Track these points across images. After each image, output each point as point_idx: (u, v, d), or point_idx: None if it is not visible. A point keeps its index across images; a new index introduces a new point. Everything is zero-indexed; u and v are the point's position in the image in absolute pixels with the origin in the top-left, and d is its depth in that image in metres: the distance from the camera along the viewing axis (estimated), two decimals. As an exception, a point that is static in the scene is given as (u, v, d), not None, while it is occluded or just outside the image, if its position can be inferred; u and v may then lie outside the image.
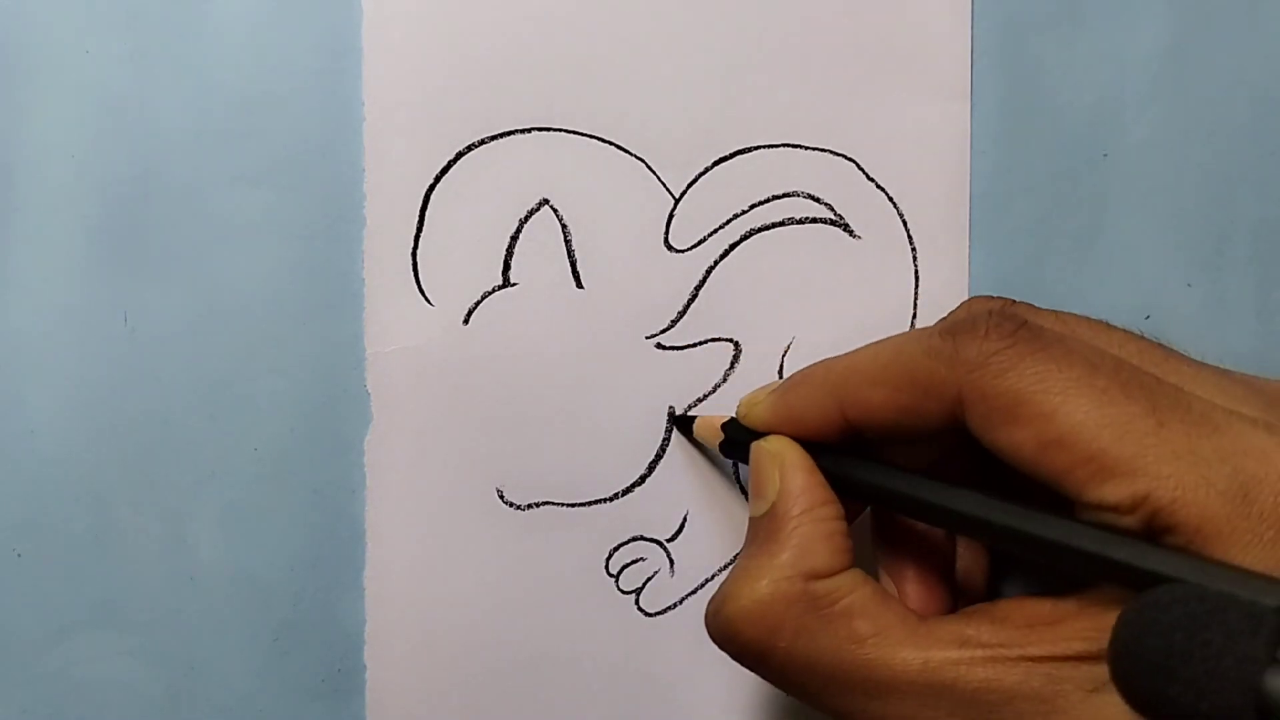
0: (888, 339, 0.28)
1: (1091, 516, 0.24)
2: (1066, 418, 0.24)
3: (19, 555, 0.32)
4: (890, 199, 0.34)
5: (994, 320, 0.26)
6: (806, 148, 0.34)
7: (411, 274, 0.32)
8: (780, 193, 0.34)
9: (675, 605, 0.34)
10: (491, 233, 0.33)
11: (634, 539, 0.33)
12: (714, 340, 0.34)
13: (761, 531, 0.28)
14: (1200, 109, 0.35)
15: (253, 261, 0.32)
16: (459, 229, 0.32)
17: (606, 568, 0.33)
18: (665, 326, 0.33)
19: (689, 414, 0.33)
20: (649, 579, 0.34)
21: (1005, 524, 0.25)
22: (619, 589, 0.34)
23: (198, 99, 0.32)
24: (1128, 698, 0.21)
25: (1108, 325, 0.28)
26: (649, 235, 0.33)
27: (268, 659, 0.33)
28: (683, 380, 0.33)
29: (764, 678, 0.27)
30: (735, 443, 0.31)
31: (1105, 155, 0.35)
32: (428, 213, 0.32)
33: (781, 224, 0.34)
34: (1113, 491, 0.24)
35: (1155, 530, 0.23)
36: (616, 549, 0.33)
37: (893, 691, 0.25)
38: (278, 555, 0.32)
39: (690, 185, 0.33)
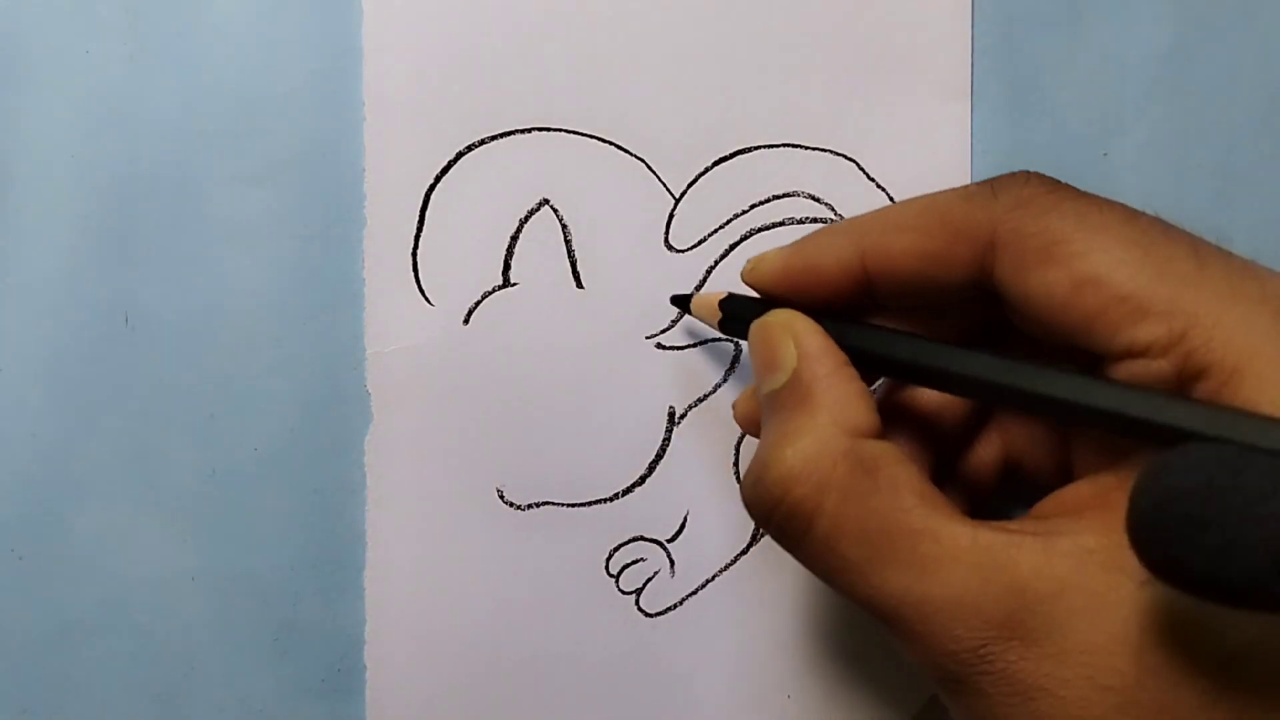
0: (917, 197, 0.27)
1: (1121, 369, 0.23)
2: (1104, 254, 0.23)
3: (19, 556, 0.32)
4: (890, 198, 0.34)
5: (1037, 175, 0.25)
6: (806, 148, 0.34)
7: (412, 274, 0.32)
8: (780, 193, 0.34)
9: (675, 605, 0.34)
10: (492, 233, 0.33)
11: (634, 539, 0.33)
12: (714, 340, 0.34)
13: (787, 398, 0.26)
14: (1200, 109, 0.35)
15: (253, 261, 0.32)
16: (459, 229, 0.32)
17: (606, 568, 0.33)
18: (665, 326, 0.33)
19: (685, 294, 0.32)
20: (649, 579, 0.34)
21: (1030, 387, 0.24)
22: (619, 589, 0.34)
23: (198, 99, 0.32)
24: (1150, 567, 0.20)
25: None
26: (649, 235, 0.33)
27: (268, 659, 0.33)
28: (683, 380, 0.33)
29: (805, 555, 0.25)
30: (736, 319, 0.29)
31: (1105, 155, 0.35)
32: (428, 213, 0.32)
33: (782, 224, 0.34)
34: (1148, 330, 0.23)
35: (1189, 374, 0.22)
36: (616, 549, 0.33)
37: (940, 569, 0.23)
38: (278, 555, 0.32)
39: (690, 185, 0.33)
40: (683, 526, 0.34)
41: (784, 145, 0.34)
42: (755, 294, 0.29)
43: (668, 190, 0.33)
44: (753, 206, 0.33)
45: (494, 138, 0.32)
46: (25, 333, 0.31)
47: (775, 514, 0.25)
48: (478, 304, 0.33)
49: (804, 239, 0.28)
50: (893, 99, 0.34)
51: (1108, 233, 0.23)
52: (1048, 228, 0.24)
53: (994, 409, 0.30)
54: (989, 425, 0.30)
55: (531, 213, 0.33)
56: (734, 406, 0.30)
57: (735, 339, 0.32)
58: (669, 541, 0.34)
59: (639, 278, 0.33)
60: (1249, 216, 0.36)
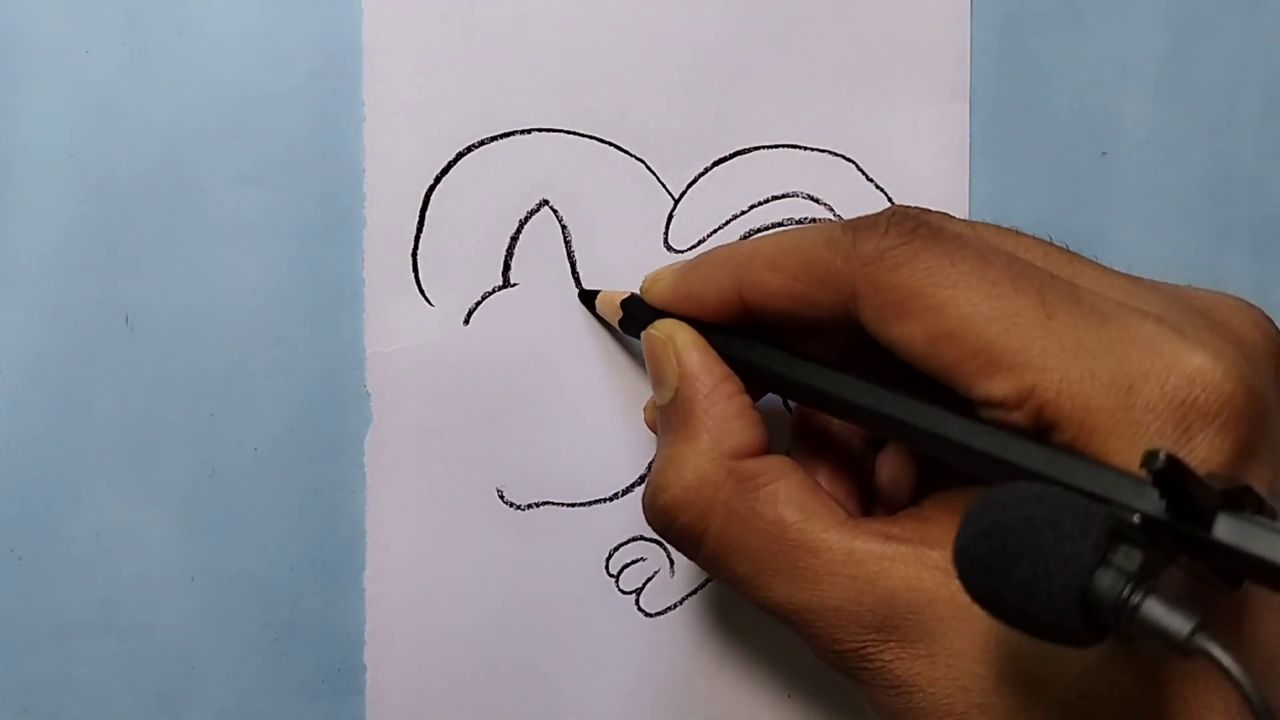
0: (794, 228, 0.28)
1: (986, 414, 0.24)
2: (955, 310, 0.24)
3: (19, 556, 0.32)
4: (890, 199, 0.34)
5: (895, 219, 0.26)
6: (806, 148, 0.34)
7: (412, 274, 0.32)
8: (780, 193, 0.34)
9: (675, 605, 0.34)
10: (492, 233, 0.33)
11: (634, 539, 0.34)
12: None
13: (674, 418, 0.28)
14: (1200, 109, 0.36)
15: (253, 261, 0.32)
16: (459, 229, 0.32)
17: (606, 568, 0.33)
18: (665, 326, 0.33)
19: (592, 289, 0.33)
20: (649, 579, 0.34)
21: (893, 414, 0.25)
22: (619, 589, 0.34)
23: (197, 99, 0.32)
24: (971, 594, 0.21)
25: (1017, 231, 0.27)
26: (649, 235, 0.33)
27: (268, 659, 0.33)
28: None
29: (703, 567, 0.28)
30: (635, 320, 0.31)
31: (1105, 155, 0.35)
32: (428, 213, 0.32)
33: (781, 224, 0.34)
34: (999, 386, 0.23)
35: (1043, 425, 0.23)
36: (616, 549, 0.33)
37: (819, 579, 0.25)
38: (278, 555, 0.32)
39: (690, 185, 0.33)
40: (682, 526, 0.34)
41: (783, 146, 0.34)
42: None
43: (667, 191, 0.33)
44: (752, 207, 0.34)
45: (494, 138, 0.32)
46: (25, 333, 0.31)
47: (667, 534, 0.28)
48: (478, 304, 0.33)
49: (691, 264, 0.29)
50: (893, 99, 0.34)
51: (958, 287, 0.24)
52: (902, 283, 0.25)
53: None
54: None
55: (531, 213, 0.33)
56: (644, 410, 0.32)
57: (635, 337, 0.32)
58: (669, 541, 0.34)
59: (639, 278, 0.33)
60: (1249, 216, 0.36)
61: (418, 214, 0.32)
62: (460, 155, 0.32)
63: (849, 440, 0.30)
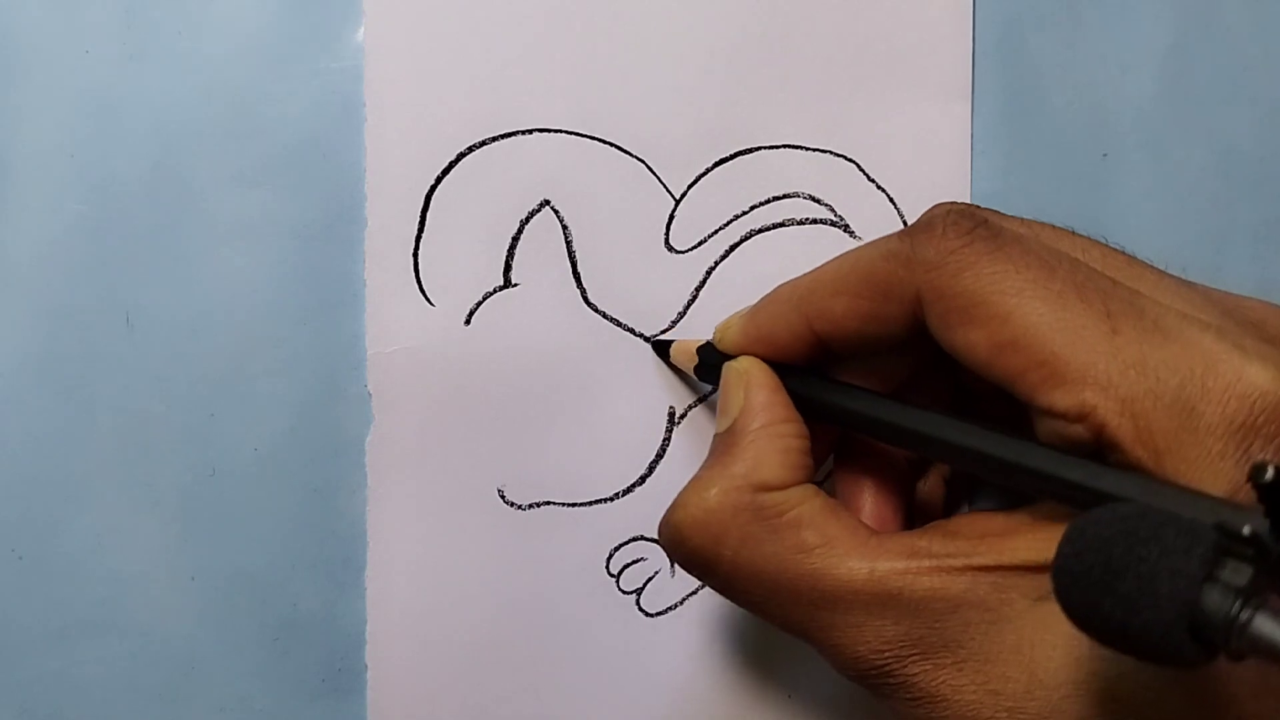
0: (851, 250, 0.28)
1: (1044, 426, 0.24)
2: (1021, 320, 0.24)
3: (19, 555, 0.32)
4: (890, 199, 0.34)
5: (951, 219, 0.25)
6: (806, 148, 0.34)
7: (413, 274, 0.32)
8: (780, 193, 0.34)
9: (675, 605, 0.34)
10: (492, 233, 0.33)
11: (634, 539, 0.34)
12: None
13: (719, 445, 0.28)
14: (1200, 109, 0.36)
15: (253, 261, 0.32)
16: (460, 229, 0.32)
17: (607, 568, 0.33)
18: (665, 326, 0.33)
19: (665, 340, 0.33)
20: (649, 579, 0.34)
21: (960, 442, 0.26)
22: (619, 589, 0.34)
23: (198, 99, 0.32)
24: (1067, 612, 0.21)
25: (1071, 232, 0.27)
26: (649, 236, 0.33)
27: (268, 659, 0.33)
28: (683, 380, 0.33)
29: (713, 587, 0.28)
30: (709, 366, 0.31)
31: (1105, 155, 0.35)
32: (429, 213, 0.32)
33: (782, 225, 0.34)
34: (1062, 399, 0.23)
35: (1104, 442, 0.23)
36: (617, 549, 0.33)
37: (839, 601, 0.25)
38: (278, 555, 0.32)
39: (690, 186, 0.33)
40: (683, 527, 0.34)
41: (784, 146, 0.34)
42: None
43: (668, 191, 0.33)
44: (753, 207, 0.34)
45: (495, 138, 0.32)
46: (25, 333, 0.31)
47: (678, 556, 0.28)
48: (479, 304, 0.33)
49: (757, 306, 0.30)
50: (893, 99, 0.34)
51: (1023, 295, 0.24)
52: (965, 289, 0.25)
53: None
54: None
55: (532, 213, 0.33)
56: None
57: (711, 383, 0.32)
58: (669, 542, 0.34)
59: (639, 278, 0.33)
60: (1249, 217, 0.36)
61: (419, 214, 0.32)
62: (461, 155, 0.32)
63: (890, 457, 0.30)
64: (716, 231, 0.33)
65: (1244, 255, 0.36)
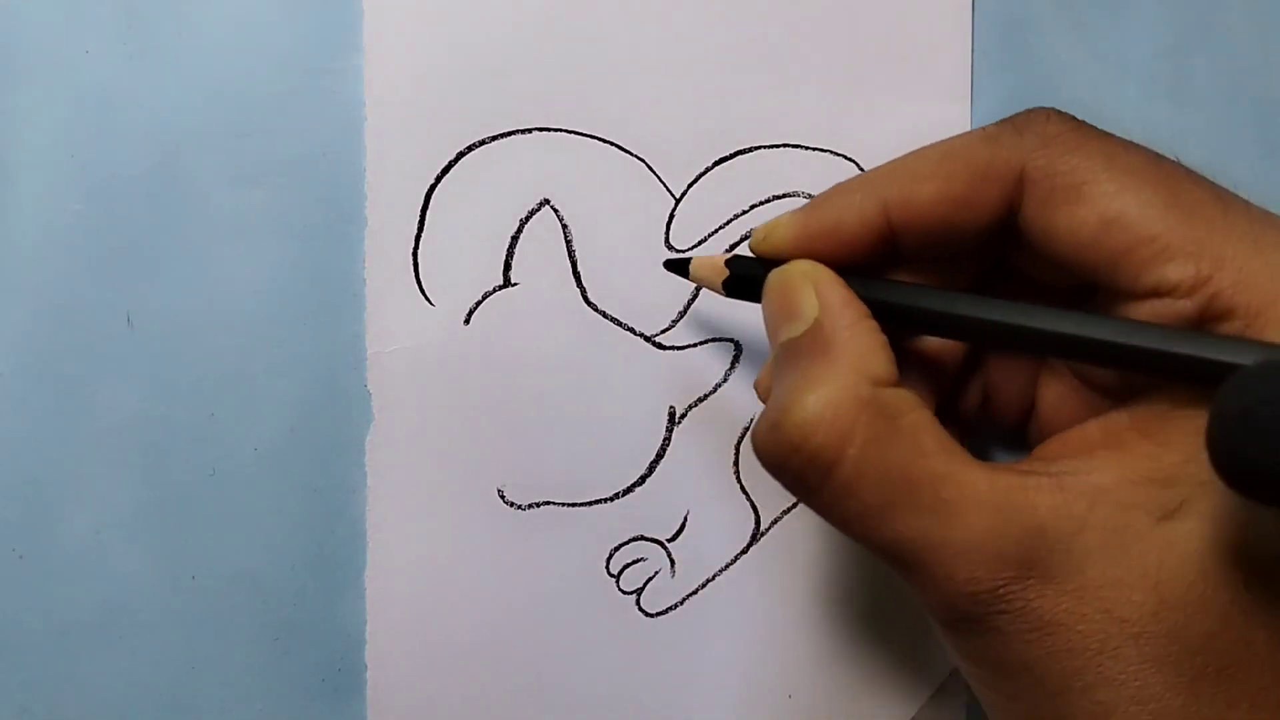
0: (931, 144, 0.27)
1: (1144, 308, 0.24)
2: (1132, 194, 0.24)
3: (19, 555, 0.32)
4: (890, 199, 0.34)
5: (1053, 112, 0.25)
6: (806, 148, 0.34)
7: (412, 274, 0.32)
8: (780, 193, 0.34)
9: (675, 605, 0.34)
10: (492, 233, 0.33)
11: (634, 539, 0.33)
12: (714, 340, 0.34)
13: (808, 347, 0.26)
14: (1200, 109, 0.35)
15: (253, 261, 0.32)
16: (460, 229, 0.32)
17: (607, 568, 0.33)
18: (665, 326, 0.33)
19: (683, 256, 0.31)
20: (649, 579, 0.34)
21: (1059, 330, 0.24)
22: (619, 589, 0.34)
23: (198, 99, 0.32)
24: (1228, 476, 0.20)
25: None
26: (650, 235, 0.33)
27: (268, 659, 0.33)
28: (683, 380, 0.33)
29: (819, 503, 0.25)
30: (745, 279, 0.29)
31: (1105, 155, 0.35)
32: (428, 213, 0.32)
33: (782, 224, 0.34)
34: (1175, 271, 0.23)
35: (1212, 315, 0.23)
36: (617, 549, 0.33)
37: (961, 512, 0.24)
38: (278, 555, 0.32)
39: (690, 185, 0.33)
40: (683, 526, 0.34)
41: (784, 145, 0.34)
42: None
43: (668, 190, 0.33)
44: (753, 207, 0.34)
45: (494, 138, 0.32)
46: (25, 332, 0.31)
47: (792, 460, 0.25)
48: (478, 304, 0.33)
49: (818, 200, 0.28)
50: (893, 99, 0.34)
51: (1135, 174, 0.24)
52: (1076, 166, 0.24)
53: (983, 354, 0.30)
54: (975, 370, 0.31)
55: (532, 213, 0.33)
56: (757, 382, 0.30)
57: (741, 299, 0.30)
58: (669, 541, 0.34)
59: (639, 278, 0.33)
60: (1249, 217, 0.36)
61: (418, 214, 0.32)
62: (461, 155, 0.32)
63: (939, 378, 0.29)
64: (716, 231, 0.33)
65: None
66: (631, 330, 0.33)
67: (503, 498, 0.33)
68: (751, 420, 0.34)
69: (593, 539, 0.33)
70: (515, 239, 0.33)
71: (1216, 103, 0.36)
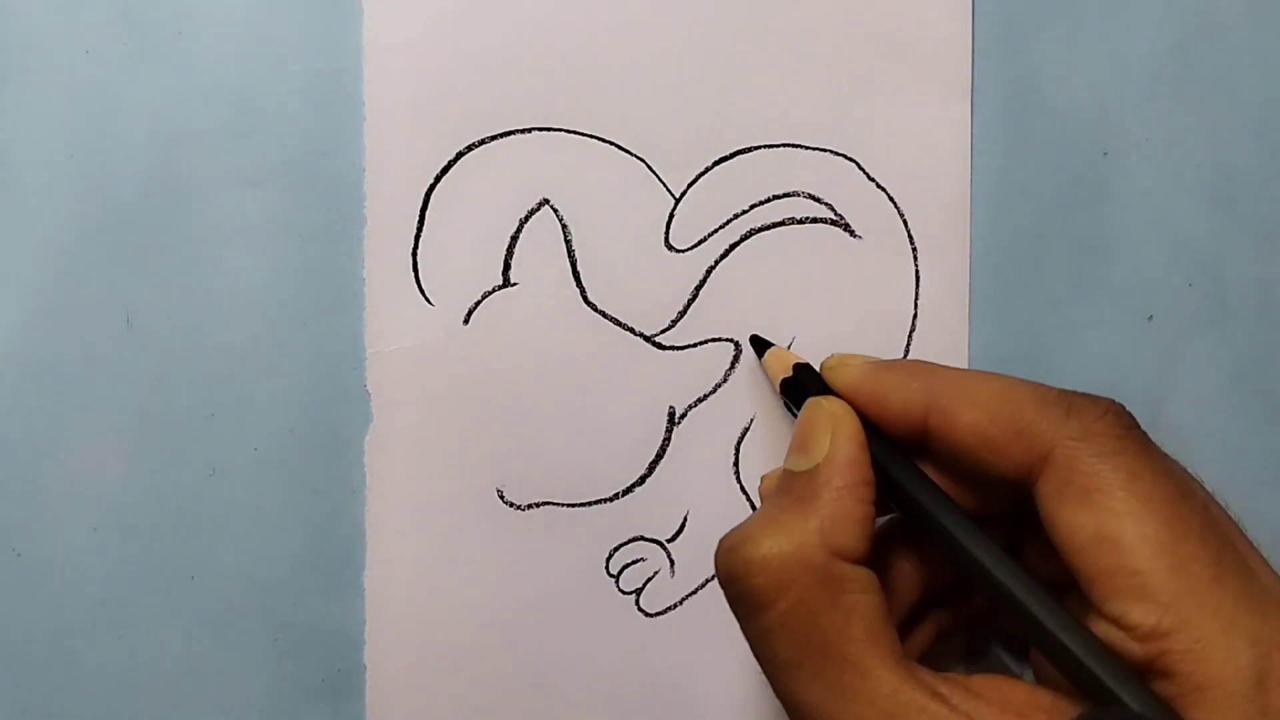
0: (999, 374, 0.28)
1: (1101, 626, 0.24)
2: (1136, 525, 0.24)
3: (19, 555, 0.32)
4: (890, 199, 0.34)
5: (1114, 411, 0.26)
6: (806, 148, 0.34)
7: (412, 274, 0.32)
8: (780, 193, 0.34)
9: (675, 605, 0.34)
10: (492, 233, 0.33)
11: (634, 539, 0.33)
12: (714, 340, 0.34)
13: (796, 488, 0.27)
14: (1200, 109, 0.35)
15: (253, 261, 0.32)
16: (459, 229, 0.32)
17: (606, 568, 0.33)
18: (665, 326, 0.33)
19: (766, 338, 0.33)
20: (649, 579, 0.34)
21: (1025, 600, 0.25)
22: (619, 589, 0.34)
23: (198, 99, 0.32)
24: None
25: (1201, 483, 0.27)
26: (649, 235, 0.33)
27: (268, 659, 0.33)
28: (683, 380, 0.33)
29: (745, 633, 0.27)
30: (798, 387, 0.30)
31: (1105, 155, 0.35)
32: (428, 213, 0.32)
33: (782, 224, 0.34)
34: (1139, 613, 0.23)
35: (1156, 669, 0.23)
36: (616, 549, 0.33)
37: (855, 702, 0.25)
38: (278, 555, 0.32)
39: (690, 185, 0.33)
40: (683, 526, 0.34)
41: (784, 145, 0.34)
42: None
43: (668, 190, 0.33)
44: (753, 206, 0.33)
45: (494, 137, 0.32)
46: (25, 332, 0.31)
47: (731, 588, 0.27)
48: (478, 304, 0.33)
49: (886, 364, 0.29)
50: (893, 99, 0.34)
51: (1148, 504, 0.24)
52: (1097, 472, 0.25)
53: None
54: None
55: (531, 212, 0.33)
56: (762, 481, 0.31)
57: (790, 400, 0.32)
58: (669, 541, 0.34)
59: (639, 277, 0.33)
60: (1249, 216, 0.36)
61: (418, 213, 0.32)
62: (460, 155, 0.32)
63: (925, 579, 0.30)
64: (716, 230, 0.33)
65: (1244, 255, 0.36)
66: (631, 330, 0.33)
67: (502, 498, 0.33)
68: (752, 420, 0.34)
69: (592, 539, 0.33)
70: (515, 239, 0.33)
71: (1216, 103, 0.36)
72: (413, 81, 0.32)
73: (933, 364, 0.29)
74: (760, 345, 0.33)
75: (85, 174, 0.31)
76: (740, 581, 0.26)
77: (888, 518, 0.30)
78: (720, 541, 0.27)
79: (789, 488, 0.27)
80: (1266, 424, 0.36)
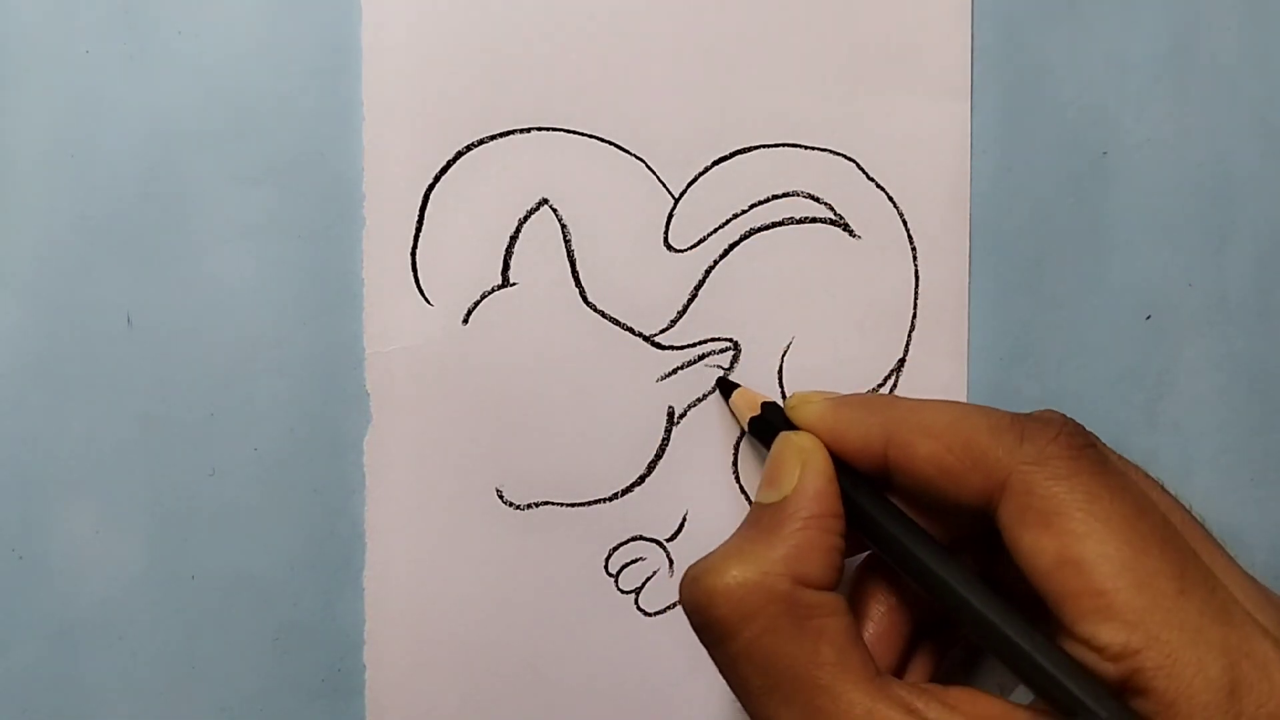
0: (954, 402, 0.28)
1: (1074, 648, 0.24)
2: (1097, 545, 0.24)
3: (19, 555, 0.32)
4: (890, 199, 0.34)
5: (1068, 429, 0.26)
6: (806, 148, 0.34)
7: (411, 274, 0.32)
8: (780, 192, 0.34)
9: (675, 605, 0.34)
10: (491, 233, 0.33)
11: (633, 539, 0.33)
12: (714, 340, 0.34)
13: (764, 520, 0.27)
14: (1200, 109, 0.35)
15: (252, 261, 0.32)
16: (458, 229, 0.32)
17: (606, 568, 0.33)
18: (665, 326, 0.33)
19: (731, 379, 0.33)
20: (648, 579, 0.34)
21: (994, 621, 0.25)
22: (619, 589, 0.34)
23: (197, 99, 0.32)
24: None
25: (1162, 487, 0.27)
26: (649, 235, 0.33)
27: (268, 659, 0.33)
28: (682, 380, 0.33)
29: (715, 660, 0.27)
30: (767, 426, 0.31)
31: (1105, 155, 0.35)
32: (427, 213, 0.32)
33: (781, 224, 0.34)
34: (1108, 633, 0.23)
35: (1131, 688, 0.23)
36: (616, 549, 0.33)
37: None
38: (278, 555, 0.32)
39: (690, 185, 0.33)
40: (682, 526, 0.34)
41: (783, 145, 0.34)
42: None
43: (667, 190, 0.33)
44: (752, 206, 0.34)
45: (493, 137, 0.32)
46: (25, 333, 0.31)
47: (695, 618, 0.27)
48: (477, 304, 0.33)
49: (845, 400, 0.30)
50: (893, 99, 0.34)
51: (1108, 523, 0.24)
52: (1055, 495, 0.25)
53: None
54: None
55: (531, 212, 0.33)
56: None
57: (760, 439, 0.32)
58: (668, 541, 0.34)
59: (639, 277, 0.33)
60: (1248, 216, 0.36)
61: (417, 213, 0.32)
62: (459, 154, 0.32)
63: (912, 596, 0.30)
64: (716, 230, 0.33)
65: (1244, 255, 0.36)
66: (631, 330, 0.33)
67: (501, 498, 0.33)
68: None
69: (591, 538, 0.33)
70: (514, 239, 0.33)
71: (1216, 103, 0.36)
72: (411, 82, 0.32)
73: (891, 397, 0.29)
74: (727, 387, 0.33)
75: (85, 174, 0.31)
76: (704, 611, 0.26)
77: (868, 553, 0.30)
78: (685, 572, 0.27)
79: (757, 520, 0.28)
80: (1266, 424, 0.36)
